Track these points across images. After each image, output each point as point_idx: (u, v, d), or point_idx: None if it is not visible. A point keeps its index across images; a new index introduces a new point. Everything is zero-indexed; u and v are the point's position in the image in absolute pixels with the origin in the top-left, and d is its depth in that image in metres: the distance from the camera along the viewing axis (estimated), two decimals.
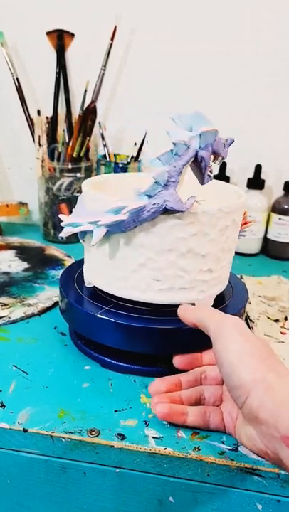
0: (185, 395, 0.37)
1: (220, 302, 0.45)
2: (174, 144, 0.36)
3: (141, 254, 0.40)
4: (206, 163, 0.37)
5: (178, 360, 0.40)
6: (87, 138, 0.74)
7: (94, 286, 0.46)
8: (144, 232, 0.39)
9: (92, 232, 0.39)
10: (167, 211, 0.37)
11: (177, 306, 0.42)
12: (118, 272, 0.41)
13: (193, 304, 0.40)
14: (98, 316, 0.41)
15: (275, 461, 0.29)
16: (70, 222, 0.41)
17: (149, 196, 0.36)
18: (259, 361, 0.30)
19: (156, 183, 0.36)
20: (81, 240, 0.45)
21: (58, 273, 0.64)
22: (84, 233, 0.42)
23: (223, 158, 0.39)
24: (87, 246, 0.44)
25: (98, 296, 0.45)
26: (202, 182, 0.40)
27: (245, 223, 0.49)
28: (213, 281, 0.43)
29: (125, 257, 0.40)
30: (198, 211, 0.38)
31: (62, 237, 0.48)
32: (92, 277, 0.45)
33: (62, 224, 0.42)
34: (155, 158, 0.36)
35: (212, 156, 0.38)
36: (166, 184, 0.36)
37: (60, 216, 0.43)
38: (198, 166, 0.38)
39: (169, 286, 0.41)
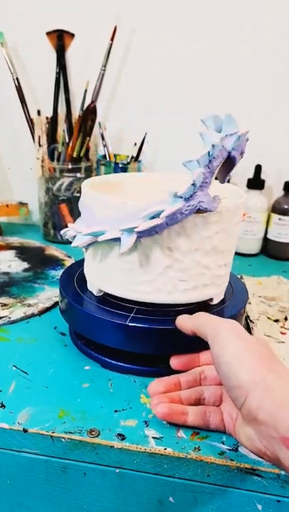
0: (185, 395, 0.37)
1: (220, 302, 0.45)
2: (213, 145, 0.36)
3: (168, 256, 0.40)
4: (235, 163, 0.38)
5: (175, 362, 0.40)
6: (87, 138, 0.74)
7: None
8: (173, 234, 0.39)
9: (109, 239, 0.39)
10: (197, 211, 0.37)
11: (176, 305, 0.42)
12: (142, 276, 0.41)
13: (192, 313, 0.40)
14: (98, 316, 0.41)
15: (274, 461, 0.29)
16: (92, 231, 0.39)
17: (184, 198, 0.36)
18: (258, 362, 0.30)
19: (193, 185, 0.36)
20: (83, 249, 0.43)
21: (58, 273, 0.64)
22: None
23: (242, 157, 0.40)
24: (95, 253, 0.43)
25: (98, 296, 0.45)
26: (223, 181, 0.41)
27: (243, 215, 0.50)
28: (225, 276, 0.44)
29: (151, 260, 0.40)
30: (223, 209, 0.39)
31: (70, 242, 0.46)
32: (104, 285, 0.44)
33: (80, 234, 0.40)
34: (194, 160, 0.36)
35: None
36: (201, 185, 0.36)
37: (71, 225, 0.42)
38: (226, 165, 0.39)
39: (193, 285, 0.41)
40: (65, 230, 0.44)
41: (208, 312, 0.39)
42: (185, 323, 0.38)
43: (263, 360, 0.30)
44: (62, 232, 0.44)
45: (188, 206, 0.36)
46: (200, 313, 0.38)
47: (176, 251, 0.39)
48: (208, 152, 0.36)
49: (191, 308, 0.43)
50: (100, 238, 0.39)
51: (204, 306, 0.44)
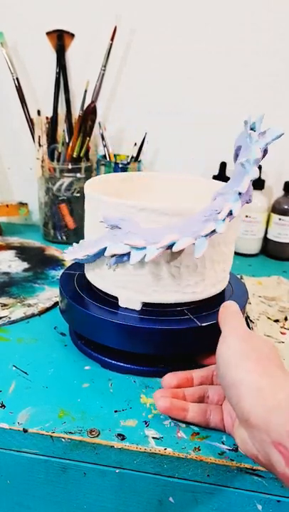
0: (188, 392, 0.37)
1: (220, 302, 0.45)
2: (267, 144, 0.39)
3: (216, 251, 0.41)
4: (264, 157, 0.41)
5: (206, 359, 0.41)
6: (87, 138, 0.74)
7: (89, 285, 0.46)
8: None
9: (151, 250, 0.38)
10: None
11: (177, 304, 0.42)
12: (197, 276, 0.41)
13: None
14: (98, 316, 0.41)
15: (266, 466, 0.29)
16: (165, 243, 0.37)
17: (242, 194, 0.38)
18: (255, 364, 0.30)
19: (251, 181, 0.38)
20: (112, 265, 0.41)
21: (58, 273, 0.64)
22: (125, 256, 0.40)
23: None
24: (143, 266, 0.41)
25: (98, 296, 0.45)
26: None
27: None
28: None
29: (206, 258, 0.41)
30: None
31: (111, 266, 0.41)
32: (150, 296, 0.42)
33: (143, 249, 0.38)
34: (251, 159, 0.38)
35: None
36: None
37: (128, 243, 0.39)
38: None
39: (227, 272, 0.46)
40: (108, 249, 0.40)
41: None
42: (220, 313, 0.38)
43: (261, 363, 0.30)
44: (103, 252, 0.41)
45: (242, 201, 0.38)
46: (234, 312, 0.37)
47: (223, 244, 0.42)
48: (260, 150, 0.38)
49: (194, 307, 0.43)
50: (176, 248, 0.37)
51: (220, 296, 0.46)
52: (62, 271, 0.51)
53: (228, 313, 0.37)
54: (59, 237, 0.78)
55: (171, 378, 0.38)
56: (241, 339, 0.32)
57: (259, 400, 0.28)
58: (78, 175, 0.74)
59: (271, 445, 0.27)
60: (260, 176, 0.74)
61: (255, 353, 0.31)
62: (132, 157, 0.75)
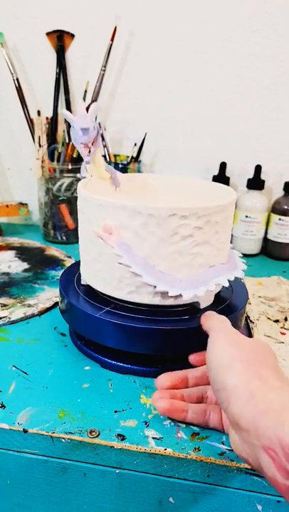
0: (187, 393, 0.37)
1: (220, 302, 0.45)
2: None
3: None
4: None
5: (192, 358, 0.40)
6: None
7: (89, 286, 0.46)
8: None
9: None
10: None
11: (176, 306, 0.42)
12: None
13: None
14: (98, 316, 0.41)
15: (257, 468, 0.28)
16: None
17: None
18: (246, 367, 0.30)
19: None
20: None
21: (57, 273, 0.64)
22: None
23: None
24: None
25: (98, 296, 0.45)
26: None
27: None
28: None
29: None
30: None
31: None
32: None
33: None
34: None
35: None
36: None
37: None
38: None
39: None
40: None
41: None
42: (202, 322, 0.38)
43: (251, 365, 0.30)
44: None
45: None
46: (215, 315, 0.38)
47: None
48: None
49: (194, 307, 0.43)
50: None
51: (219, 295, 0.46)
52: (62, 271, 0.51)
53: (211, 316, 0.37)
54: (59, 238, 0.78)
55: (164, 379, 0.37)
56: (230, 342, 0.32)
57: (249, 403, 0.28)
58: (78, 175, 0.74)
59: (261, 449, 0.26)
60: (260, 176, 0.74)
61: (245, 355, 0.31)
62: (132, 157, 0.75)
